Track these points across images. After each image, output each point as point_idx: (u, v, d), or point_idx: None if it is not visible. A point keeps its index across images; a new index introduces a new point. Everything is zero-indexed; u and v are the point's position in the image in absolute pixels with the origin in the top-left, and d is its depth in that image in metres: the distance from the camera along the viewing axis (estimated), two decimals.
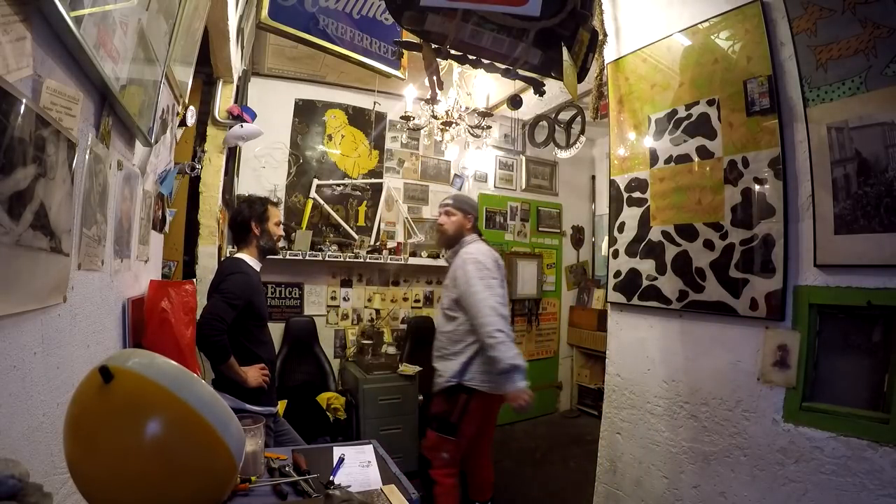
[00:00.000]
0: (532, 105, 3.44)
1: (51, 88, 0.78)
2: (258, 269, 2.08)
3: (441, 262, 4.10)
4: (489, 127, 3.23)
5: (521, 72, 1.63)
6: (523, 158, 4.67)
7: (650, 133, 2.09)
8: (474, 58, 1.54)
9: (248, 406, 1.88)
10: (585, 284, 4.92)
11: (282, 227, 2.24)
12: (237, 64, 2.74)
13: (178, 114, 1.89)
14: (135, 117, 1.19)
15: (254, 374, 1.92)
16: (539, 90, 1.85)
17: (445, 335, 2.18)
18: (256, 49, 3.30)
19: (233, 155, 3.17)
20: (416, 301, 4.13)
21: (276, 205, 2.21)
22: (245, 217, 2.08)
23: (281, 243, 2.42)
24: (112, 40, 0.95)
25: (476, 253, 2.16)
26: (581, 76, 1.57)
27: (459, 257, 2.19)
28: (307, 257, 3.46)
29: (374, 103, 3.83)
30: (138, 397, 0.77)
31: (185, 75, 1.81)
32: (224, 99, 2.85)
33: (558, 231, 4.91)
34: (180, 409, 0.78)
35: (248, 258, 2.06)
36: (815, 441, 1.48)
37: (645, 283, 2.09)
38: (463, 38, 1.43)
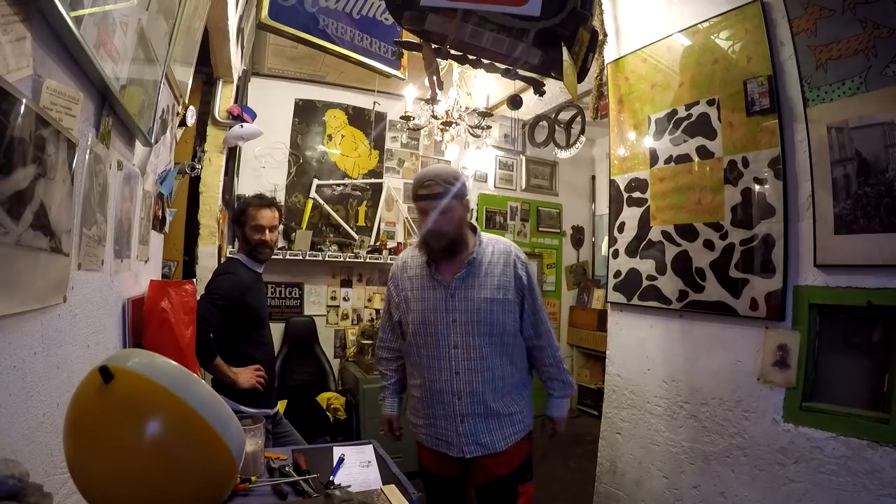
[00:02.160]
0: (532, 105, 3.44)
1: (51, 88, 0.77)
2: (257, 270, 2.07)
3: None
4: (489, 127, 3.23)
5: (521, 72, 1.63)
6: (523, 158, 4.67)
7: (650, 133, 2.09)
8: (474, 58, 1.54)
9: (243, 407, 1.86)
10: (585, 284, 4.92)
11: (266, 231, 2.01)
12: (237, 64, 2.73)
13: (178, 114, 1.89)
14: (135, 117, 1.19)
15: (246, 376, 1.89)
16: (539, 90, 1.84)
17: (509, 365, 1.57)
18: (256, 49, 3.29)
19: (233, 155, 3.17)
20: None
21: (265, 206, 2.03)
22: (230, 220, 2.06)
23: (274, 248, 2.13)
24: (112, 40, 0.95)
25: (518, 248, 1.64)
26: (581, 76, 1.57)
27: (498, 250, 1.59)
28: (307, 257, 3.46)
29: (374, 103, 3.83)
30: (138, 397, 0.77)
31: (185, 75, 1.81)
32: (224, 99, 2.85)
33: (558, 231, 4.91)
34: (180, 409, 0.78)
35: (244, 258, 2.05)
36: (815, 441, 1.48)
37: (645, 283, 2.09)
38: (463, 38, 1.42)
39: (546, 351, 1.62)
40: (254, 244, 2.01)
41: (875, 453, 1.35)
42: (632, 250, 2.17)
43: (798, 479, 1.52)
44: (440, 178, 1.53)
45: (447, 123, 2.98)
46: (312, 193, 3.64)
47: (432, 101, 2.83)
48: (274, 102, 3.59)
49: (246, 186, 3.38)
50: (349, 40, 2.79)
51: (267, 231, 2.02)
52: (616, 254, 2.25)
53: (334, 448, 1.41)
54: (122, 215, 1.29)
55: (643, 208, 2.12)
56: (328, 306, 3.77)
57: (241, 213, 2.06)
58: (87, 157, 0.97)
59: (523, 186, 4.69)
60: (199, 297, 1.93)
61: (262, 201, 2.06)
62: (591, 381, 4.61)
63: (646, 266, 2.09)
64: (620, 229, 2.23)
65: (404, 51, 2.45)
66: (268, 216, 2.03)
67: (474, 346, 1.52)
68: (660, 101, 2.05)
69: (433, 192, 1.51)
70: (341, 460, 1.31)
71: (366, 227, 3.85)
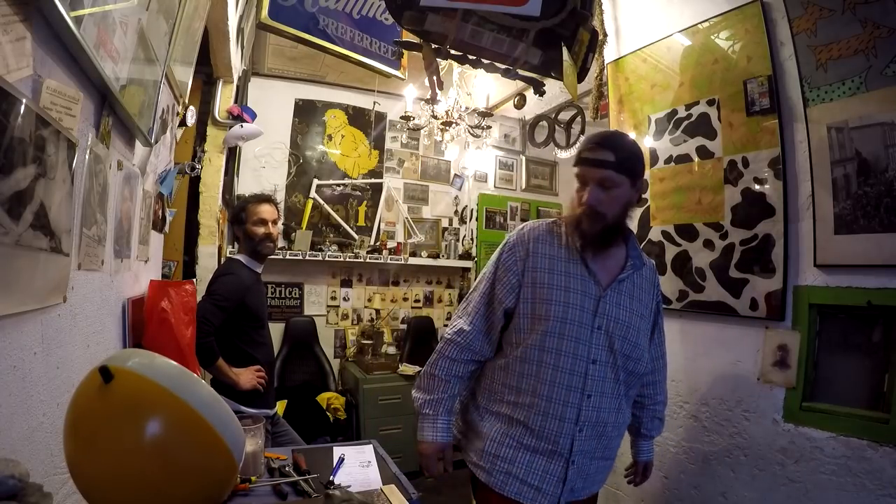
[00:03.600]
0: (532, 105, 3.44)
1: (51, 88, 0.77)
2: (257, 270, 2.07)
3: (442, 262, 4.10)
4: (489, 127, 3.23)
5: (521, 72, 1.63)
6: (523, 158, 4.67)
7: (650, 133, 2.09)
8: (474, 58, 1.54)
9: (243, 407, 1.86)
10: None
11: (269, 224, 2.02)
12: (237, 64, 2.74)
13: (178, 114, 1.89)
14: (135, 117, 1.19)
15: (247, 377, 1.90)
16: (539, 90, 1.84)
17: (627, 401, 1.30)
18: (256, 49, 3.30)
19: (233, 155, 3.17)
20: (416, 301, 4.13)
21: (264, 201, 2.05)
22: (229, 221, 2.07)
23: (277, 242, 2.13)
24: (112, 40, 0.95)
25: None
26: (581, 76, 1.57)
27: (649, 266, 1.35)
28: (307, 257, 3.46)
29: (374, 103, 3.84)
30: (138, 397, 0.77)
31: (185, 75, 1.81)
32: (224, 99, 2.85)
33: None
34: (180, 409, 0.78)
35: (245, 259, 2.05)
36: (815, 441, 1.48)
37: None
38: (463, 38, 1.42)
39: (659, 387, 1.46)
40: (258, 239, 2.01)
41: (875, 453, 1.35)
42: None
43: (798, 479, 1.51)
44: (612, 144, 1.19)
45: (447, 123, 2.98)
46: (312, 193, 3.64)
47: (432, 101, 2.83)
48: (274, 102, 3.59)
49: (246, 186, 3.38)
50: (349, 40, 2.79)
51: (269, 224, 2.04)
52: None
53: (334, 448, 1.41)
54: (122, 215, 1.29)
55: (643, 208, 2.12)
56: (328, 306, 3.78)
57: (240, 210, 2.06)
58: (87, 157, 0.97)
59: (523, 186, 4.69)
60: (200, 298, 1.94)
61: (260, 197, 2.08)
62: None
63: None
64: None
65: (404, 51, 2.45)
66: (268, 210, 2.05)
67: (616, 365, 1.21)
68: (660, 101, 2.05)
69: (598, 157, 1.18)
70: (341, 460, 1.31)
71: (366, 227, 3.85)
